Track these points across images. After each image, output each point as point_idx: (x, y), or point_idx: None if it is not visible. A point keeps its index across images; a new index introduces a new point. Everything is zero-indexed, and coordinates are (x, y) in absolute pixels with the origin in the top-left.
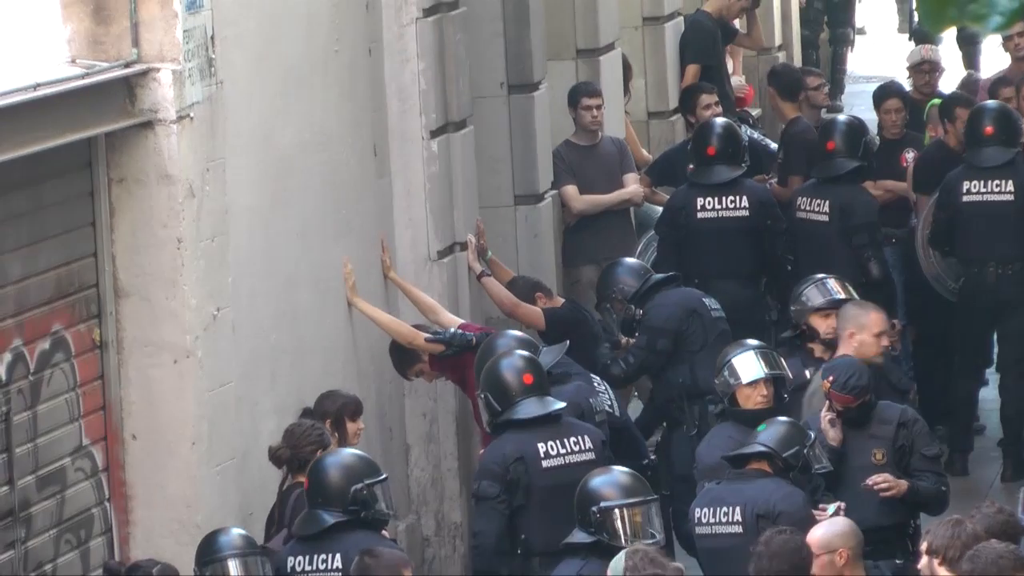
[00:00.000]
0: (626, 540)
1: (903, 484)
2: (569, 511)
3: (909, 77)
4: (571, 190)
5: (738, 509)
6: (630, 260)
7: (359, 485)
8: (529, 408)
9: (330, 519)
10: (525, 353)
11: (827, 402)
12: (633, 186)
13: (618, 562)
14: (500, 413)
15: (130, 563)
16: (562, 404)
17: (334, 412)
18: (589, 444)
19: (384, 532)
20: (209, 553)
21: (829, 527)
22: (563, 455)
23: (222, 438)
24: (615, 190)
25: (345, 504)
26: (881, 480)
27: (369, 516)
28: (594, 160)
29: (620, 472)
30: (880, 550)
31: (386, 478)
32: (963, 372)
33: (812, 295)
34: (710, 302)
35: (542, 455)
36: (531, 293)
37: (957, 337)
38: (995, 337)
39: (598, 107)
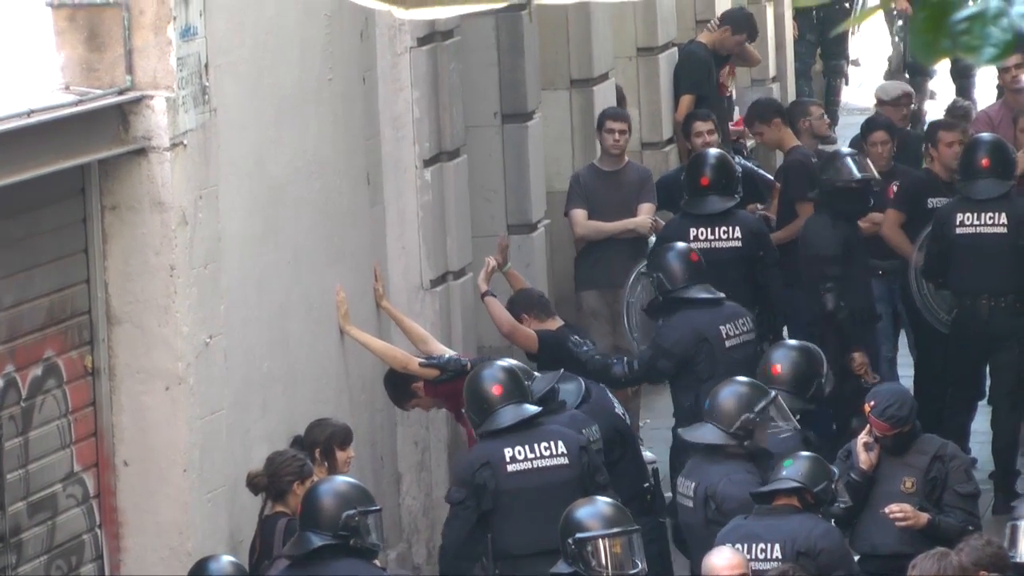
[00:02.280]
0: (605, 572)
1: (922, 517)
2: (537, 515)
3: (882, 111)
4: (579, 214)
5: (777, 546)
6: (683, 247)
7: (351, 511)
8: (504, 417)
9: (318, 541)
10: (504, 363)
11: (867, 427)
12: (642, 216)
13: None
14: (479, 425)
15: None
16: (537, 409)
17: (323, 441)
18: (563, 449)
19: (375, 562)
20: None
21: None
22: (530, 459)
23: (214, 465)
24: (627, 218)
25: (336, 529)
26: (898, 510)
27: (359, 544)
28: (613, 186)
29: (602, 503)
30: None
31: (380, 509)
32: (955, 404)
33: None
34: (728, 329)
35: (507, 459)
36: (519, 313)
37: (950, 369)
38: (987, 369)
39: (621, 132)
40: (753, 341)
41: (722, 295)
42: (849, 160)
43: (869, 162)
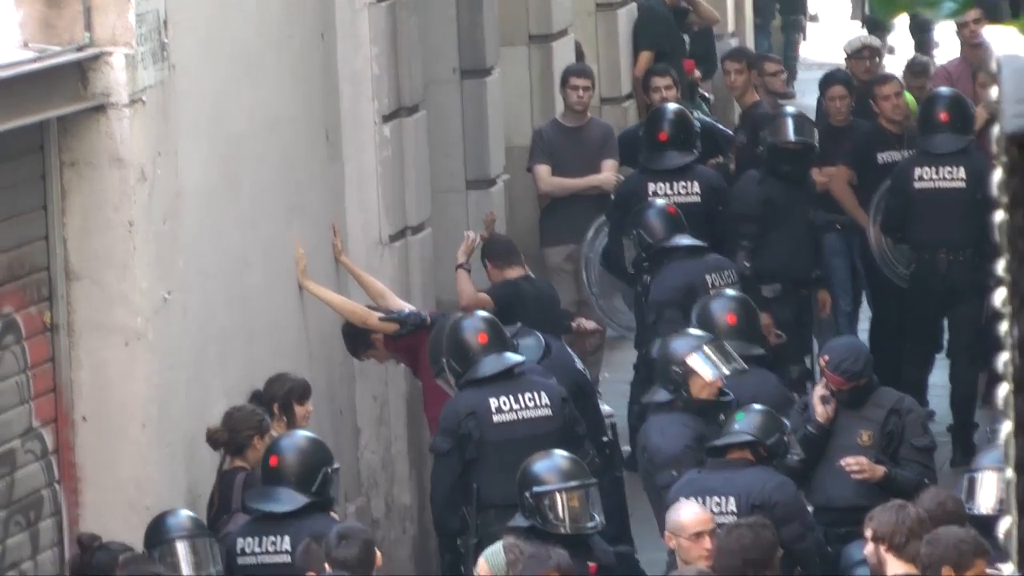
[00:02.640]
0: (562, 525)
1: (878, 470)
2: (520, 466)
3: (847, 66)
4: (542, 170)
5: (732, 499)
6: (660, 203)
7: (328, 468)
8: (488, 365)
9: (300, 498)
10: (484, 314)
11: (822, 380)
12: (606, 173)
13: (496, 556)
14: (462, 375)
15: (99, 542)
16: (521, 359)
17: (282, 395)
18: (546, 400)
19: (333, 514)
20: (158, 535)
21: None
22: (516, 410)
23: (172, 420)
24: (593, 174)
25: (312, 485)
26: (854, 463)
27: (328, 500)
28: (576, 142)
29: (559, 456)
30: (855, 531)
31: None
32: (913, 358)
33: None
34: (714, 278)
35: (494, 409)
36: (483, 259)
37: (908, 323)
38: (945, 323)
39: (585, 88)
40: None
41: (704, 244)
42: (790, 121)
43: (814, 127)
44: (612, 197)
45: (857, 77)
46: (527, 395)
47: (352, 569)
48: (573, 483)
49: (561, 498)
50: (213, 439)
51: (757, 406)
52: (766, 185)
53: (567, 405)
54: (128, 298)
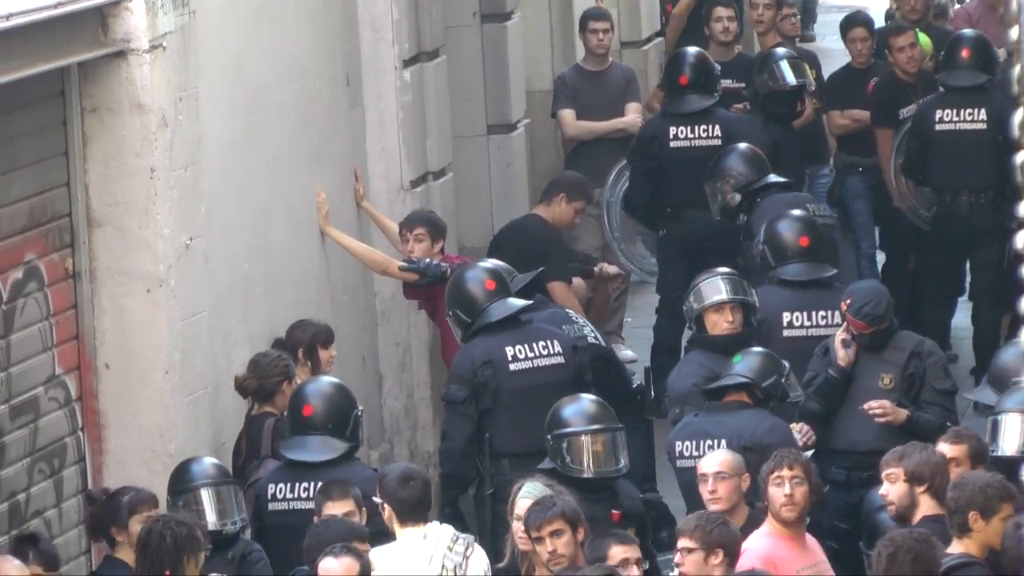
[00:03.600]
0: (585, 469)
1: (901, 413)
2: (537, 414)
3: (895, 7)
4: (567, 114)
5: (723, 442)
6: (744, 147)
7: (357, 411)
8: (495, 311)
9: (340, 444)
10: (487, 263)
11: (844, 324)
12: (631, 116)
13: (538, 489)
14: (470, 324)
15: (108, 493)
16: (527, 302)
17: (307, 341)
18: (558, 348)
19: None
20: (182, 482)
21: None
22: (531, 358)
23: (195, 368)
24: (616, 118)
25: (345, 431)
26: (877, 406)
27: (357, 444)
28: (598, 86)
29: (587, 400)
30: (878, 475)
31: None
32: (935, 301)
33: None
34: (813, 209)
35: (510, 358)
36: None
37: (929, 266)
38: (967, 266)
39: (605, 31)
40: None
41: (791, 180)
42: (784, 64)
43: (806, 66)
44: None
45: (906, 17)
46: (540, 343)
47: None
48: (597, 426)
49: (584, 441)
50: (242, 387)
51: (756, 348)
52: (771, 129)
53: (578, 353)
54: (150, 245)
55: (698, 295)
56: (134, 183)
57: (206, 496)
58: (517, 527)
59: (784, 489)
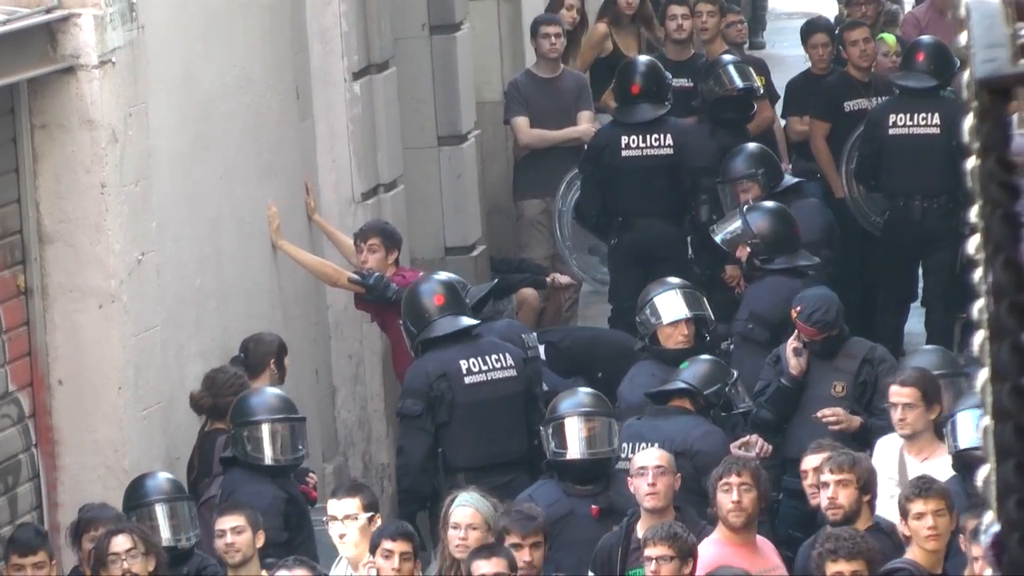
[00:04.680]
0: (576, 450)
1: (855, 420)
2: (491, 427)
3: (847, 15)
4: (521, 122)
5: (655, 446)
6: (752, 146)
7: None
8: (443, 325)
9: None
10: (441, 276)
11: (796, 332)
12: (584, 125)
13: (481, 501)
14: (417, 335)
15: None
16: (475, 321)
17: (275, 352)
18: (510, 361)
19: (310, 477)
20: (136, 498)
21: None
22: (485, 371)
23: (148, 383)
24: (569, 126)
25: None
26: (831, 414)
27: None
28: (551, 93)
29: (581, 391)
30: None
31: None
32: (887, 306)
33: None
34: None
35: (464, 371)
36: None
37: (881, 271)
38: (920, 271)
39: (556, 35)
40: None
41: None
42: (731, 68)
43: (751, 70)
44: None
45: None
46: (493, 356)
47: None
48: (587, 409)
49: (574, 423)
50: (198, 404)
51: (704, 357)
52: (718, 136)
53: (528, 366)
54: (102, 260)
55: (655, 311)
56: (85, 199)
57: (161, 512)
58: (453, 535)
59: (732, 495)
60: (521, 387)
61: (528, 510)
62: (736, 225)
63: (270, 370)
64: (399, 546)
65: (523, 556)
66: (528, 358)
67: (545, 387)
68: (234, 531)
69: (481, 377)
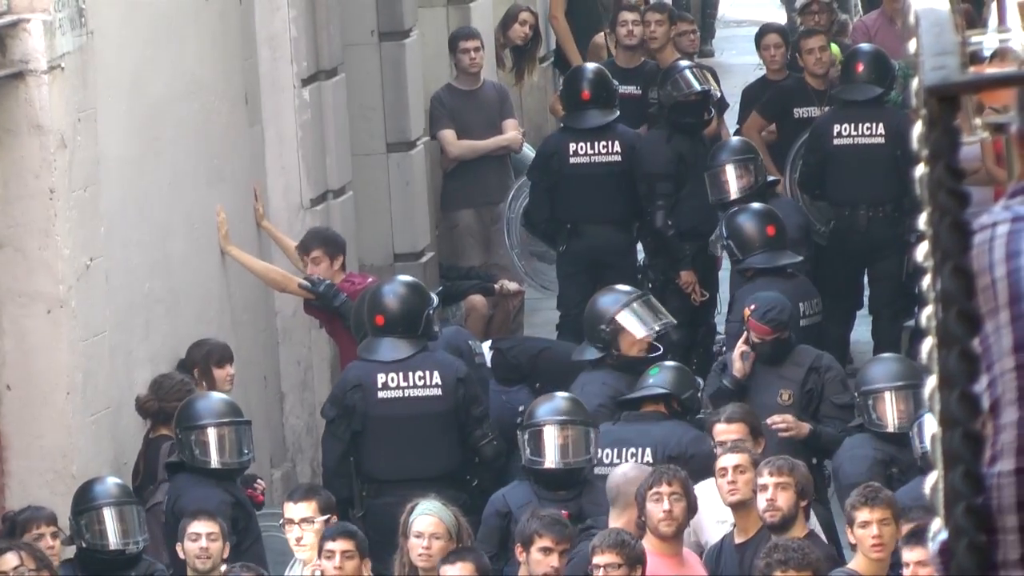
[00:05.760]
0: (550, 460)
1: (804, 427)
2: (408, 443)
3: (800, 23)
4: (449, 135)
5: (648, 451)
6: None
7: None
8: (382, 350)
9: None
10: (399, 289)
11: (744, 334)
12: (512, 132)
13: (443, 510)
14: (358, 345)
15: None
16: (410, 352)
17: (200, 359)
18: (437, 380)
19: (258, 483)
20: (84, 502)
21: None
22: (402, 387)
23: (96, 388)
24: (494, 135)
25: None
26: (780, 420)
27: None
28: (474, 105)
29: (559, 397)
30: None
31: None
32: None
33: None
34: (804, 307)
35: (379, 385)
36: None
37: (827, 280)
38: (866, 280)
39: (476, 49)
40: (818, 324)
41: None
42: (688, 72)
43: (708, 75)
44: (524, 151)
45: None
46: (417, 373)
47: None
48: (563, 418)
49: (549, 432)
50: (143, 408)
51: (670, 363)
52: (675, 142)
53: (462, 386)
54: (50, 266)
55: (617, 326)
56: (33, 204)
57: (109, 516)
58: (415, 544)
59: (663, 505)
60: (445, 407)
61: (558, 516)
62: (716, 231)
63: (195, 378)
64: (340, 545)
65: (551, 562)
66: (460, 378)
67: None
68: (209, 537)
69: (396, 393)
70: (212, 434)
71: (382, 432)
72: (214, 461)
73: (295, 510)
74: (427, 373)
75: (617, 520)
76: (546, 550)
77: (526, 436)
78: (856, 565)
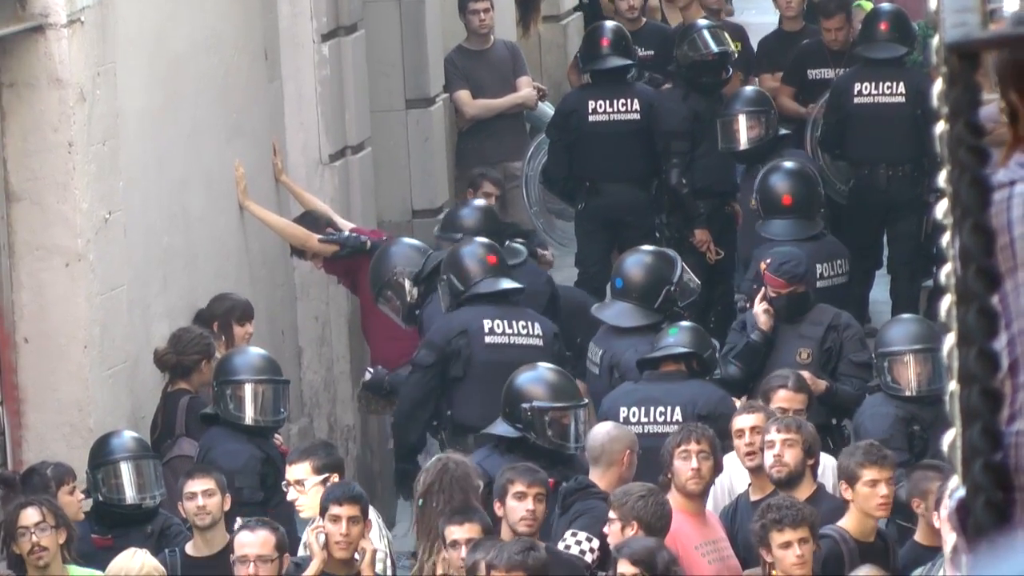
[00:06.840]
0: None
1: (821, 384)
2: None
3: None
4: (463, 95)
5: (678, 409)
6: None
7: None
8: (486, 285)
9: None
10: (484, 240)
11: (763, 290)
12: (526, 90)
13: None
14: (461, 293)
15: (24, 469)
16: (517, 285)
17: (221, 315)
18: (539, 331)
19: (276, 437)
20: (101, 456)
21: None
22: (508, 334)
23: (114, 342)
24: (508, 94)
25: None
26: None
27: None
28: (486, 64)
29: (549, 371)
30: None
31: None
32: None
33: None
34: (824, 268)
35: (486, 330)
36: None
37: (847, 239)
38: (885, 239)
39: (485, 10)
40: (844, 284)
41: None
42: (706, 32)
43: (725, 33)
44: (542, 107)
45: None
46: (520, 322)
47: None
48: (570, 403)
49: (559, 415)
50: (161, 361)
51: (686, 323)
52: (691, 100)
53: (558, 341)
54: (69, 219)
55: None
56: (52, 158)
57: (125, 470)
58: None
59: (691, 463)
60: (544, 357)
61: (530, 464)
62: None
63: (214, 333)
64: (346, 510)
65: (526, 505)
66: (556, 333)
67: None
68: (205, 494)
69: (503, 339)
70: (248, 390)
71: (482, 378)
72: (248, 417)
73: (290, 472)
74: (529, 323)
75: (600, 479)
76: (520, 495)
77: (529, 415)
78: (848, 524)
